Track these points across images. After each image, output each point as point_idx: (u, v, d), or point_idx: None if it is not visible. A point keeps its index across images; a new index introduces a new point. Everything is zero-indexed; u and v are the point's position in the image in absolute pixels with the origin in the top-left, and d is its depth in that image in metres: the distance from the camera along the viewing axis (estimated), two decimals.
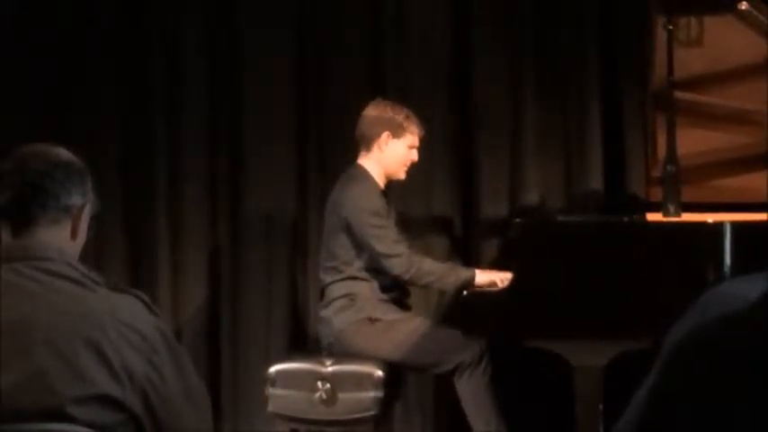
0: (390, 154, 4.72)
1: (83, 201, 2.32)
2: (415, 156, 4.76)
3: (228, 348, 5.39)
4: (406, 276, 4.62)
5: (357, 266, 4.66)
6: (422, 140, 4.77)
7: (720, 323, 1.19)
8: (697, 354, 1.19)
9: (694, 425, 1.16)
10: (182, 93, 5.39)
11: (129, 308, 2.22)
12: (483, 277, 4.60)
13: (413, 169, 4.81)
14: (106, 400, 2.14)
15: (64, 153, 2.34)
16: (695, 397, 1.17)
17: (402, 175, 4.77)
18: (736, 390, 1.14)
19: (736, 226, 3.92)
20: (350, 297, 4.66)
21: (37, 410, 2.12)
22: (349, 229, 4.64)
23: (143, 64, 5.41)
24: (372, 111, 4.75)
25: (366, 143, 4.74)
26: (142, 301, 2.25)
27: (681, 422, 1.17)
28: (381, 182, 4.74)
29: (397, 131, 4.70)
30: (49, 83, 5.37)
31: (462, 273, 4.65)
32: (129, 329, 2.18)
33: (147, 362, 2.19)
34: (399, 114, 4.72)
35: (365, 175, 4.71)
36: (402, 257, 4.60)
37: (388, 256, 4.60)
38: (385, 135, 4.69)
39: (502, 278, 4.48)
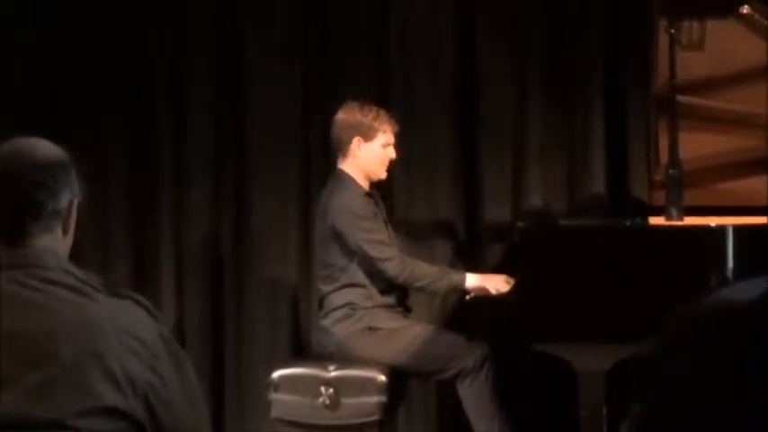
0: (365, 157, 4.65)
1: (71, 198, 2.29)
2: (392, 153, 4.68)
3: (232, 353, 5.39)
4: (399, 279, 4.59)
5: (352, 272, 4.62)
6: (398, 135, 4.69)
7: (720, 324, 1.19)
8: (697, 354, 1.19)
9: (694, 425, 1.16)
10: (186, 92, 5.39)
11: (129, 314, 2.20)
12: (474, 282, 4.56)
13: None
14: (110, 411, 2.13)
15: (48, 150, 2.27)
16: (695, 397, 1.17)
17: (383, 175, 4.70)
18: (736, 389, 1.15)
19: (738, 229, 3.92)
20: (349, 306, 4.62)
21: (40, 422, 2.11)
22: (338, 236, 4.59)
23: (146, 63, 5.40)
24: (341, 115, 4.68)
25: (341, 149, 4.68)
26: (142, 305, 2.23)
27: (681, 422, 1.17)
28: (364, 184, 4.68)
29: (367, 134, 4.63)
30: (52, 82, 5.36)
31: (454, 276, 4.61)
32: (130, 336, 2.17)
33: (149, 367, 2.18)
34: (368, 116, 4.64)
35: (348, 179, 4.66)
36: (394, 260, 4.58)
37: (380, 260, 4.57)
38: (356, 140, 4.63)
39: (495, 285, 4.46)
